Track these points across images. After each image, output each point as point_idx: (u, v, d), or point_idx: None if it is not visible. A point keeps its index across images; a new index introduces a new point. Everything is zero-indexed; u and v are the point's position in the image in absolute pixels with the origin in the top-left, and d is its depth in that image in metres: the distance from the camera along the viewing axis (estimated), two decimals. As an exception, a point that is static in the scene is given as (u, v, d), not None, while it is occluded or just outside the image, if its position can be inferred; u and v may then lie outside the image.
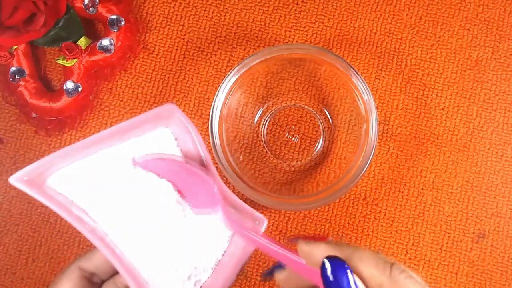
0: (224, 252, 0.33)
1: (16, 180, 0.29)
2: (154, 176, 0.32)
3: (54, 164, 0.31)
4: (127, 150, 0.32)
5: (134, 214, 0.32)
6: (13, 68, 0.45)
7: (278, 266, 0.30)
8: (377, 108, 0.45)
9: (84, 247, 0.47)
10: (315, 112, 0.48)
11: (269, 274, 0.30)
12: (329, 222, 0.47)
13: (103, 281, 0.32)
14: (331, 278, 0.25)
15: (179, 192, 0.32)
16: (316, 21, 0.49)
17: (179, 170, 0.32)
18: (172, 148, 0.33)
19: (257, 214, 0.33)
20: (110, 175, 0.32)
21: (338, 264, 0.26)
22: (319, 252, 0.27)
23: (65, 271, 0.31)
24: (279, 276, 0.29)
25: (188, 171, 0.32)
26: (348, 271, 0.25)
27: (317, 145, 0.48)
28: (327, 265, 0.26)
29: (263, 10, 0.49)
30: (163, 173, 0.32)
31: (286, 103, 0.48)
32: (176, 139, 0.33)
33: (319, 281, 0.26)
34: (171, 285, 0.31)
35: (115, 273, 0.31)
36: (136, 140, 0.33)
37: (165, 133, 0.33)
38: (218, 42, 0.49)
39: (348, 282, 0.25)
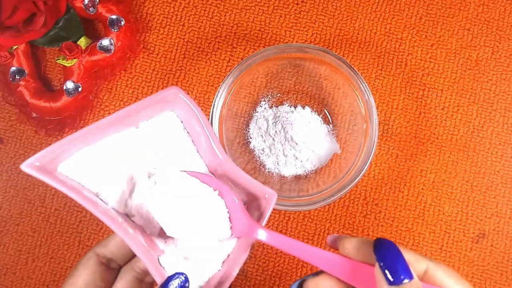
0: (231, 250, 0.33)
1: (28, 166, 0.29)
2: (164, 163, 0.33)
3: (65, 150, 0.31)
4: (135, 134, 0.33)
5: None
6: (13, 68, 0.45)
7: (306, 277, 0.28)
8: (377, 108, 0.45)
9: (84, 247, 0.47)
10: (315, 112, 0.48)
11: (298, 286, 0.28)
12: (329, 222, 0.47)
13: (120, 267, 0.32)
14: (386, 255, 0.25)
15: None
16: (316, 21, 0.49)
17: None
18: (179, 131, 0.34)
19: (267, 189, 0.32)
20: (120, 159, 0.32)
21: (391, 243, 0.26)
22: (365, 245, 0.26)
23: (82, 259, 0.30)
24: (309, 285, 0.27)
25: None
26: (399, 249, 0.25)
27: (317, 145, 0.48)
28: (383, 242, 0.25)
29: (263, 10, 0.49)
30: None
31: (286, 103, 0.48)
32: (182, 122, 0.34)
33: (361, 278, 0.26)
34: (184, 266, 0.31)
35: (132, 258, 0.31)
36: (143, 124, 0.33)
37: (171, 116, 0.34)
38: (218, 42, 0.49)
39: (402, 259, 0.25)
